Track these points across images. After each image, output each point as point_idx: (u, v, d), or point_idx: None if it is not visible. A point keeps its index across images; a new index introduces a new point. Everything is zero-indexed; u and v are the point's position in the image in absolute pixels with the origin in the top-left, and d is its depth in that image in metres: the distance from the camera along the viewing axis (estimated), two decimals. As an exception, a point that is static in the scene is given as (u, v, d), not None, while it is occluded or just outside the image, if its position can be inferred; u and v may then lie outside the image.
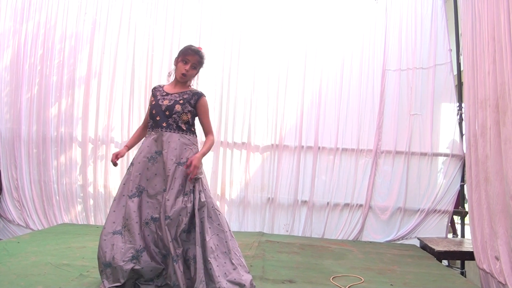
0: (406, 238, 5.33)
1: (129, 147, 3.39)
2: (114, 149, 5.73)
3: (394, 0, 5.62)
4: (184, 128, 3.18)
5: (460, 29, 5.19)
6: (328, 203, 5.46)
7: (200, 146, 3.26)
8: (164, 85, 3.37)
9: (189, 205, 3.03)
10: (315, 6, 5.69)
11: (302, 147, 5.57)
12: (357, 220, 5.44)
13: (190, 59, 3.21)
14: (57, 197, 5.73)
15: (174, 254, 2.94)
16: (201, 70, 3.33)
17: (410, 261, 4.34)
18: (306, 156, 5.59)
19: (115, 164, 3.25)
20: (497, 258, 3.70)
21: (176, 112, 3.15)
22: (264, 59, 5.65)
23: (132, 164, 3.19)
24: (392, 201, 5.37)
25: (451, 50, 5.44)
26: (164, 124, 3.15)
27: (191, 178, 3.05)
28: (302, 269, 3.83)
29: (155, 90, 3.32)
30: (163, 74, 5.68)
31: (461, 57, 5.26)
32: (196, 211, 3.04)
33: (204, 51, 3.30)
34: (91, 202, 5.74)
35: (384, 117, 5.49)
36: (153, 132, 3.19)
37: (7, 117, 5.85)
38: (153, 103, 3.25)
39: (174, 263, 2.92)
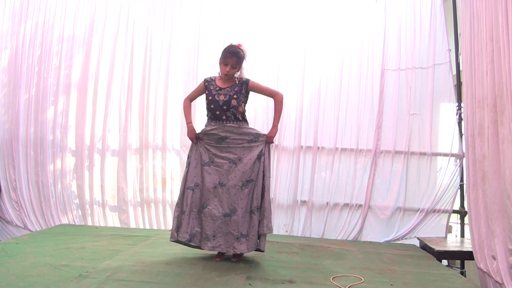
0: (406, 238, 5.31)
1: (191, 122, 3.98)
2: (109, 155, 5.78)
3: (393, 0, 5.59)
4: (240, 118, 3.88)
5: (459, 29, 5.19)
6: (327, 203, 5.44)
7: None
8: (214, 78, 3.95)
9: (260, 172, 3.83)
10: (314, 6, 5.68)
11: (301, 147, 5.56)
12: (356, 220, 5.43)
13: (229, 61, 3.80)
14: (55, 199, 5.73)
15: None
16: (245, 64, 3.92)
17: (410, 261, 4.33)
18: (305, 156, 5.57)
19: (196, 142, 3.93)
20: (494, 258, 3.71)
21: (233, 107, 3.81)
22: (262, 59, 5.63)
23: (201, 144, 3.89)
24: (392, 201, 5.36)
25: (450, 50, 5.43)
26: (224, 117, 3.82)
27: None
28: (301, 269, 3.82)
29: (208, 84, 3.92)
30: (161, 74, 5.73)
31: (460, 57, 5.25)
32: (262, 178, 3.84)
33: (246, 46, 3.91)
34: (88, 203, 5.74)
35: (383, 117, 5.48)
36: (212, 123, 3.85)
37: (4, 119, 5.85)
38: (209, 98, 3.86)
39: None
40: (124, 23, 5.83)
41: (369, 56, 5.58)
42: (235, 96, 3.81)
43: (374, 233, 5.40)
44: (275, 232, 5.42)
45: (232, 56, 3.79)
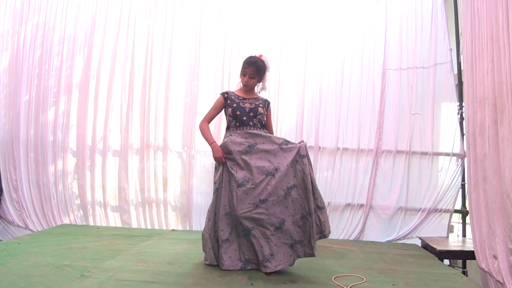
0: (408, 238, 5.32)
1: (215, 142, 3.78)
2: (110, 155, 5.79)
3: (394, 0, 5.61)
4: (264, 126, 3.86)
5: (460, 28, 5.18)
6: (329, 203, 5.43)
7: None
8: (233, 92, 3.92)
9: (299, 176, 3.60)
10: (315, 5, 5.69)
11: (303, 147, 5.56)
12: (358, 220, 5.44)
13: (247, 72, 3.79)
14: (56, 199, 5.73)
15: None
16: (265, 75, 3.93)
17: (411, 261, 4.33)
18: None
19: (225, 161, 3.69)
20: (495, 257, 3.71)
21: (260, 114, 3.80)
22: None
23: (231, 159, 3.66)
24: (393, 200, 5.37)
25: (451, 49, 5.44)
26: (251, 123, 3.75)
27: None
28: (303, 269, 3.81)
29: (227, 97, 3.85)
30: (162, 74, 5.74)
31: (461, 56, 5.25)
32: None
33: (267, 57, 3.91)
34: (90, 203, 5.74)
35: (384, 117, 5.49)
36: (238, 131, 3.73)
37: (5, 120, 5.86)
38: (234, 105, 3.78)
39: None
40: (125, 23, 5.83)
41: (371, 55, 5.59)
42: (261, 105, 3.84)
43: (376, 233, 5.41)
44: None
45: (250, 66, 3.78)
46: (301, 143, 3.70)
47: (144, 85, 5.75)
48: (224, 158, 3.66)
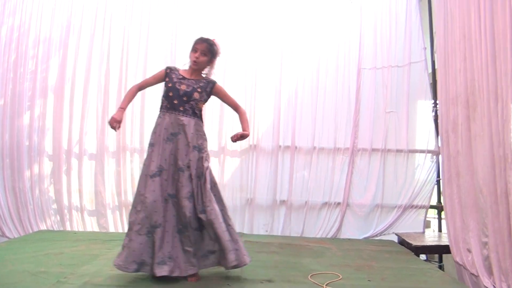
0: (384, 234, 5.39)
1: (124, 109, 3.48)
2: (87, 159, 5.71)
3: (369, 0, 5.67)
4: (199, 115, 3.47)
5: (434, 27, 5.26)
6: (306, 202, 5.48)
7: None
8: (179, 69, 3.56)
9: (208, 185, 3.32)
10: (290, 6, 5.72)
11: (280, 147, 5.59)
12: (335, 218, 5.48)
13: (198, 47, 3.48)
14: (32, 205, 5.64)
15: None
16: (215, 61, 3.59)
17: (388, 257, 4.39)
18: (283, 156, 5.61)
19: (117, 129, 3.40)
20: (469, 251, 3.79)
21: (194, 99, 3.40)
22: (240, 60, 5.66)
23: (151, 145, 3.40)
24: (370, 198, 5.43)
25: (425, 48, 5.52)
26: (181, 109, 3.38)
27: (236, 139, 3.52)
28: (280, 268, 3.84)
29: (170, 71, 3.51)
30: (138, 76, 5.61)
31: (435, 55, 5.32)
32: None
33: (219, 43, 3.65)
34: (66, 208, 5.67)
35: (360, 116, 5.54)
36: (167, 114, 3.40)
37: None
38: (169, 85, 3.43)
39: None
40: (101, 24, 5.75)
41: (346, 55, 5.64)
42: (199, 90, 3.43)
43: (353, 230, 5.46)
44: (255, 232, 5.46)
45: (202, 42, 3.51)
46: (239, 137, 3.49)
47: (119, 87, 5.68)
48: (119, 124, 3.35)
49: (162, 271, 3.21)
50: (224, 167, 5.64)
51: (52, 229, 5.59)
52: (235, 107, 3.65)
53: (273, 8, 5.72)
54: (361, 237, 5.37)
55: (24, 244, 4.61)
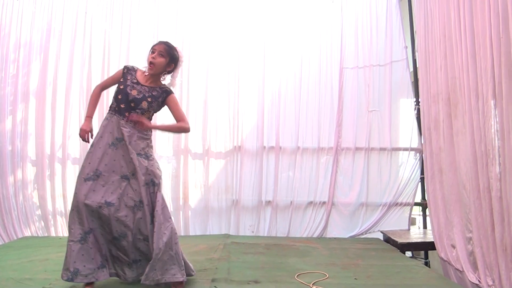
0: (370, 232, 5.43)
1: (91, 117, 3.36)
2: (70, 163, 5.65)
3: (349, 0, 5.70)
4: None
5: (415, 26, 5.32)
6: (291, 202, 5.49)
7: None
8: (137, 69, 3.38)
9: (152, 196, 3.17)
10: (272, 7, 5.72)
11: (264, 147, 5.60)
12: (321, 217, 5.49)
13: (156, 48, 3.25)
14: (16, 211, 5.57)
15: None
16: (177, 69, 3.38)
17: (373, 254, 4.43)
18: (268, 156, 5.61)
19: (88, 141, 3.27)
20: (453, 246, 3.84)
21: (141, 108, 3.19)
22: (222, 61, 5.65)
23: (92, 146, 3.21)
24: (354, 197, 5.46)
25: (406, 47, 5.58)
26: (127, 114, 3.19)
27: (133, 120, 3.17)
28: (267, 268, 3.85)
29: (127, 72, 3.33)
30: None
31: (416, 54, 5.38)
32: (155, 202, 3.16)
33: (181, 51, 3.40)
34: (51, 213, 5.60)
35: (343, 115, 5.57)
36: (114, 117, 3.21)
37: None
38: (121, 86, 3.25)
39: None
40: (82, 27, 5.69)
41: (328, 55, 5.67)
42: (149, 99, 3.23)
43: (339, 229, 5.49)
44: (241, 233, 5.45)
45: (160, 44, 3.29)
46: (139, 123, 3.18)
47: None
48: (88, 134, 3.27)
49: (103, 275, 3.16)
50: (209, 169, 5.63)
51: (36, 235, 5.53)
52: (181, 120, 3.32)
53: (254, 8, 5.73)
54: (347, 236, 5.40)
55: (8, 251, 4.55)
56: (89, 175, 3.16)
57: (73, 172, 5.62)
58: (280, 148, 5.59)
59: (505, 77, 2.88)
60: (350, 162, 5.53)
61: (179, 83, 5.50)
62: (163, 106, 3.36)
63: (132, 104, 3.19)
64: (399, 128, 5.64)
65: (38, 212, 5.64)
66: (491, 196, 3.15)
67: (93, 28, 5.72)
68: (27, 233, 5.53)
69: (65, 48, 5.68)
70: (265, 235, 5.49)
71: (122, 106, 3.20)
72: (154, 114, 3.41)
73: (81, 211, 3.11)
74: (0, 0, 5.69)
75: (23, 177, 5.61)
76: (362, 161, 5.50)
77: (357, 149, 5.53)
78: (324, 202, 5.52)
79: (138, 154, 3.18)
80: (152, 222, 3.13)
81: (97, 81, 5.56)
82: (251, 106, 5.64)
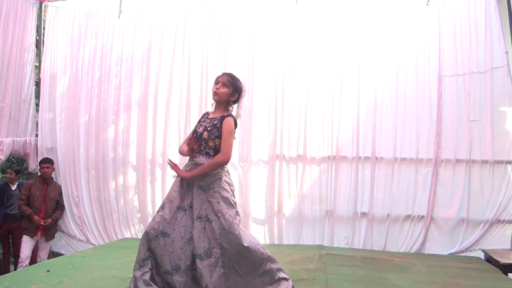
0: (470, 250, 5.14)
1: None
2: (170, 169, 5.80)
3: (446, 4, 5.48)
4: (212, 154, 3.28)
5: (515, 30, 5.02)
6: (388, 214, 5.36)
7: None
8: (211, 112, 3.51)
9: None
10: (366, 15, 5.66)
11: (360, 157, 5.51)
12: (419, 232, 5.30)
13: (220, 80, 3.38)
14: (117, 214, 5.91)
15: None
16: (241, 99, 3.44)
17: (475, 275, 4.20)
18: (364, 166, 5.52)
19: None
20: None
21: (203, 139, 3.28)
22: (317, 72, 5.67)
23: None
24: (455, 211, 5.21)
25: (507, 52, 5.23)
26: (195, 147, 3.30)
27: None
28: (365, 282, 3.80)
29: (203, 116, 3.51)
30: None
31: (517, 60, 5.07)
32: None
33: (244, 81, 3.50)
34: (151, 216, 5.82)
35: (442, 125, 5.35)
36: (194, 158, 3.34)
37: (63, 141, 6.16)
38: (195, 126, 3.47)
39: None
40: (181, 42, 5.98)
41: (425, 62, 5.48)
42: (208, 128, 3.29)
43: (438, 246, 5.25)
44: (335, 244, 5.41)
45: (223, 75, 3.42)
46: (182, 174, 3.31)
47: (200, 101, 5.89)
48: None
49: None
50: (304, 177, 5.64)
51: (136, 237, 5.82)
52: (219, 151, 3.27)
53: (350, 18, 5.69)
54: (446, 253, 5.16)
55: (109, 251, 4.85)
56: (161, 204, 3.39)
57: (172, 178, 5.83)
58: (377, 158, 5.48)
59: None
60: (451, 174, 5.28)
61: (280, 94, 5.63)
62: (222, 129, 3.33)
63: (200, 139, 3.29)
64: (502, 139, 5.31)
65: (138, 215, 5.94)
66: None
67: (192, 42, 5.97)
68: (127, 235, 5.85)
69: (165, 62, 6.01)
70: (360, 247, 5.39)
71: (199, 143, 3.31)
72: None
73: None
74: (102, 19, 6.15)
75: (124, 182, 5.96)
76: (463, 173, 5.24)
77: (457, 161, 5.27)
78: (422, 216, 5.31)
79: (199, 186, 3.26)
80: None
81: (195, 93, 5.82)
82: (347, 115, 5.59)
